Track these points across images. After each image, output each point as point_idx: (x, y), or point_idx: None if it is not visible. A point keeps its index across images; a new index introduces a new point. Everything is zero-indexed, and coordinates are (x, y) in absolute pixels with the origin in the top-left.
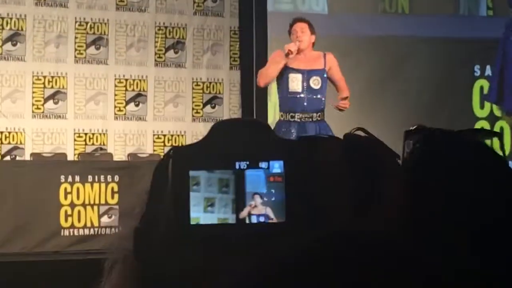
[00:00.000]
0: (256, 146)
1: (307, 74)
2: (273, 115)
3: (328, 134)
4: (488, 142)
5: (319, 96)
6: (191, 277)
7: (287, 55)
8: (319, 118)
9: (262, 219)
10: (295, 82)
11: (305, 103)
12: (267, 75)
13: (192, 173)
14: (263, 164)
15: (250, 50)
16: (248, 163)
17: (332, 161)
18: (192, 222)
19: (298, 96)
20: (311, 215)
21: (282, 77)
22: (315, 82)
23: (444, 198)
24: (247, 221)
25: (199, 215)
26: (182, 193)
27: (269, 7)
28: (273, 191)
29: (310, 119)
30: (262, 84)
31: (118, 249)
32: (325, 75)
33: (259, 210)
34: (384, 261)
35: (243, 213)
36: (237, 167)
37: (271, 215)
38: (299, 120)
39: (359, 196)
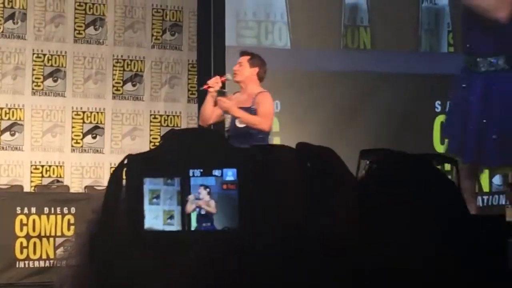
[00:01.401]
0: (210, 154)
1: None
2: None
3: None
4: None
5: (246, 134)
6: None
7: (203, 87)
8: None
9: (203, 212)
10: (227, 121)
11: (232, 141)
12: (202, 113)
13: (146, 179)
14: (216, 172)
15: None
16: (201, 170)
17: (285, 167)
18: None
19: (229, 134)
20: (264, 221)
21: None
22: (240, 121)
23: (387, 204)
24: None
25: (144, 207)
26: (136, 199)
27: (231, 41)
28: (226, 198)
29: None
30: (201, 124)
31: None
32: (253, 113)
33: (204, 202)
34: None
35: (188, 207)
36: (190, 174)
37: (212, 208)
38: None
39: (310, 201)
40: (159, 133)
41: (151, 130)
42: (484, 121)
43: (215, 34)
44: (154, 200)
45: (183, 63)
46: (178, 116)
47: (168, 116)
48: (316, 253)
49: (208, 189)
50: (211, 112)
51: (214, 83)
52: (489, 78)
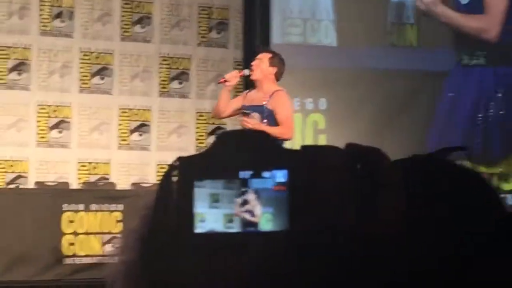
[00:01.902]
0: (260, 156)
1: (249, 110)
2: None
3: None
4: None
5: None
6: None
7: (219, 81)
8: None
9: (248, 215)
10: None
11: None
12: (216, 106)
13: (197, 182)
14: (267, 174)
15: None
16: (252, 172)
17: (334, 168)
18: (198, 219)
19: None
20: (314, 221)
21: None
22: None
23: (430, 205)
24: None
25: (204, 210)
26: (187, 202)
27: (277, 39)
28: (276, 199)
29: None
30: (213, 116)
31: (120, 262)
32: (265, 111)
33: (251, 206)
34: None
35: (236, 212)
36: (241, 176)
37: (257, 211)
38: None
39: (359, 201)
40: (205, 131)
41: (197, 128)
42: None
43: (260, 32)
44: (214, 203)
45: (229, 61)
46: None
47: None
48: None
49: (256, 194)
50: (225, 106)
51: (232, 77)
52: None
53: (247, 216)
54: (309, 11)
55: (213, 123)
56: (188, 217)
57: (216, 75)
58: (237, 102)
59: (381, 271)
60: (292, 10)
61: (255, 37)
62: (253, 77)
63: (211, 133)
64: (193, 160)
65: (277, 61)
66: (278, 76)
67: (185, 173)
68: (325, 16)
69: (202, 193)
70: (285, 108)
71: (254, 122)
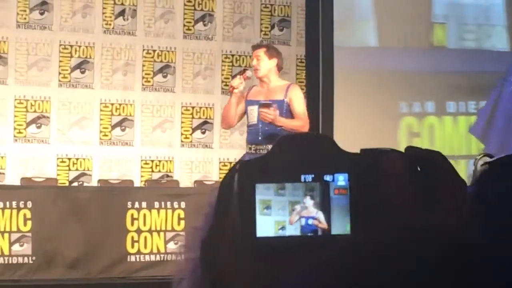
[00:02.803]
0: (321, 159)
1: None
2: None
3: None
4: None
5: (276, 128)
6: (255, 285)
7: (229, 90)
8: None
9: (310, 221)
10: (252, 114)
11: (259, 135)
12: (226, 116)
13: (260, 186)
14: (328, 177)
15: (316, 77)
16: (313, 176)
17: (395, 173)
18: (258, 223)
19: (255, 128)
20: (375, 227)
21: (246, 110)
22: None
23: (502, 210)
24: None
25: (263, 215)
26: (248, 205)
27: (339, 41)
28: (338, 203)
29: (265, 151)
30: (225, 127)
31: (186, 260)
32: (285, 106)
33: (309, 212)
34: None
35: (292, 218)
36: (302, 180)
37: (322, 219)
38: (254, 152)
39: (420, 206)
40: None
41: None
42: None
43: (323, 29)
44: (265, 210)
45: (291, 58)
46: None
47: None
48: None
49: (314, 199)
50: (235, 114)
51: (239, 84)
52: None
53: (308, 221)
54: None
55: None
56: (249, 222)
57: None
58: (233, 105)
59: (449, 273)
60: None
61: (318, 34)
62: (257, 76)
63: None
64: (254, 163)
65: (274, 52)
66: (279, 66)
67: (247, 177)
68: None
69: (262, 197)
70: (301, 102)
71: (274, 114)
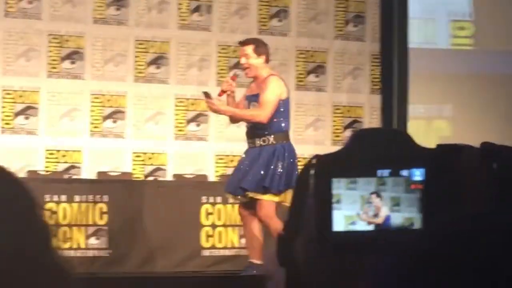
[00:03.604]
0: (397, 154)
1: (248, 101)
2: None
3: (277, 158)
4: None
5: (250, 122)
6: (333, 280)
7: (219, 95)
8: (263, 143)
9: (373, 217)
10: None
11: (248, 130)
12: (232, 117)
13: (334, 180)
14: (404, 172)
15: (391, 74)
16: (390, 171)
17: (470, 167)
18: (336, 216)
19: (246, 122)
20: (452, 220)
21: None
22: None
23: None
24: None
25: (341, 208)
26: (324, 200)
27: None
28: (414, 198)
29: (253, 145)
30: (232, 122)
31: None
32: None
33: (381, 206)
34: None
35: (365, 214)
36: (379, 174)
37: (382, 213)
38: (248, 146)
39: (496, 201)
40: (342, 124)
41: (333, 121)
42: None
43: (398, 25)
44: (335, 204)
45: (366, 55)
46: (361, 107)
47: (351, 107)
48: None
49: (380, 197)
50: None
51: (229, 86)
52: None
53: (373, 218)
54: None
55: (349, 117)
56: (325, 216)
57: (352, 68)
58: (243, 100)
59: None
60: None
61: (392, 30)
62: (248, 76)
63: (348, 126)
64: (330, 158)
65: (262, 48)
66: (267, 59)
67: (323, 172)
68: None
69: (339, 192)
70: (268, 92)
71: (217, 104)
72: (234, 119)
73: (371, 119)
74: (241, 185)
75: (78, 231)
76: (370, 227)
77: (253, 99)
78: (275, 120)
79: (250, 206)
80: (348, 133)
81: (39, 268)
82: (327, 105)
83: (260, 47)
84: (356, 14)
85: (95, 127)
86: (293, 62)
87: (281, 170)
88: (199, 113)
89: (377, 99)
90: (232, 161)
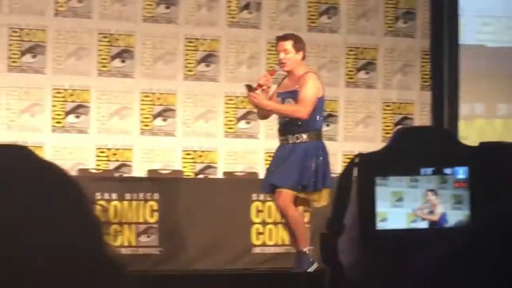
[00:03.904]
0: (441, 152)
1: (282, 97)
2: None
3: (311, 156)
4: None
5: (294, 119)
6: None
7: (254, 89)
8: (296, 140)
9: (428, 214)
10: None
11: (281, 127)
12: (262, 112)
13: (378, 179)
14: (448, 170)
15: (441, 71)
16: (433, 169)
17: None
18: (379, 218)
19: (279, 119)
20: (495, 220)
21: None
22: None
23: None
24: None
25: (386, 210)
26: (367, 198)
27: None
28: (456, 196)
29: (285, 142)
30: (259, 117)
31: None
32: (296, 96)
33: (430, 206)
34: None
35: (418, 213)
36: (422, 173)
37: (438, 210)
38: (280, 143)
39: None
40: (392, 121)
41: (383, 118)
42: None
43: (448, 21)
44: (397, 202)
45: (416, 51)
46: (411, 104)
47: (401, 104)
48: None
49: (436, 194)
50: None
51: (266, 81)
52: None
53: (429, 215)
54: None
55: (400, 113)
56: (368, 214)
57: (403, 64)
58: (274, 97)
59: None
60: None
61: (443, 26)
62: (284, 70)
63: (398, 123)
64: (373, 156)
65: (300, 44)
66: (304, 57)
67: (366, 170)
68: None
69: (383, 191)
70: (308, 88)
71: (258, 98)
72: (265, 115)
73: (422, 116)
74: (272, 182)
75: (128, 229)
76: (422, 224)
77: (287, 95)
78: (309, 118)
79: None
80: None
81: (93, 264)
82: (377, 102)
83: (299, 43)
84: (406, 10)
85: (145, 125)
86: (343, 59)
87: (315, 169)
88: (249, 111)
89: (428, 95)
90: None
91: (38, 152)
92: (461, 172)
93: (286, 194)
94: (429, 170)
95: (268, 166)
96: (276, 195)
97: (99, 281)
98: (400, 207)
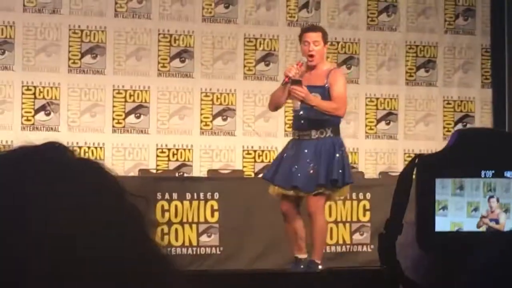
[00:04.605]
0: (502, 155)
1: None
2: None
3: (337, 151)
4: None
5: (319, 113)
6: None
7: (284, 83)
8: (321, 135)
9: (493, 223)
10: (295, 101)
11: (302, 121)
12: (273, 100)
13: (438, 180)
14: (508, 173)
15: (502, 68)
16: (494, 171)
17: None
18: (438, 218)
19: (299, 114)
20: None
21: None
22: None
23: None
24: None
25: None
26: (427, 200)
27: None
28: None
29: (308, 137)
30: (271, 109)
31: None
32: (326, 91)
33: (494, 214)
34: None
35: (479, 222)
36: (482, 175)
37: (502, 219)
38: (297, 138)
39: None
40: (452, 119)
41: (444, 116)
42: None
43: (509, 18)
44: (441, 211)
45: (476, 48)
46: (472, 101)
47: (461, 101)
48: None
49: (498, 201)
50: (285, 100)
51: (295, 73)
52: None
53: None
54: None
55: (461, 111)
56: (427, 216)
57: (463, 62)
58: (285, 89)
59: None
60: None
61: (504, 22)
62: (312, 63)
63: (459, 121)
64: (433, 157)
65: (327, 36)
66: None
67: (425, 171)
68: None
69: (439, 198)
70: (341, 85)
71: (305, 91)
72: (279, 106)
73: (483, 114)
74: (299, 184)
75: (189, 229)
76: (477, 229)
77: (315, 90)
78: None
79: (294, 201)
80: (459, 127)
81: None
82: (437, 100)
83: (326, 36)
84: (466, 7)
85: (205, 125)
86: (403, 57)
87: (342, 163)
88: None
89: (489, 93)
90: None
91: (99, 153)
92: None
93: (320, 200)
94: (489, 172)
95: (280, 157)
96: (309, 201)
97: (147, 280)
98: (444, 216)
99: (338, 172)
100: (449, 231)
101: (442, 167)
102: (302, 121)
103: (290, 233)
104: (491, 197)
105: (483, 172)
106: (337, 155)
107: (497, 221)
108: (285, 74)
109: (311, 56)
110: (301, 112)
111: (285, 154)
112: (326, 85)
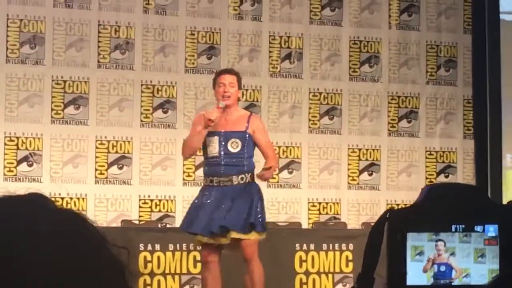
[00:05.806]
0: (471, 210)
1: (225, 137)
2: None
3: (254, 196)
4: None
5: (240, 159)
6: None
7: (206, 126)
8: (241, 181)
9: (443, 268)
10: (212, 146)
11: (222, 167)
12: (190, 146)
13: (409, 234)
14: (478, 228)
15: (484, 118)
16: (463, 226)
17: None
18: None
19: (216, 159)
20: None
21: (204, 140)
22: (234, 145)
23: None
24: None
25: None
26: (398, 253)
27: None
28: (488, 254)
29: (230, 183)
30: (186, 155)
31: None
32: (247, 137)
33: (442, 258)
34: None
35: (426, 265)
36: (453, 230)
37: (454, 264)
38: (217, 185)
39: None
40: (434, 170)
41: (426, 167)
42: None
43: (490, 69)
44: (417, 256)
45: (458, 99)
46: (454, 152)
47: (444, 152)
48: None
49: (444, 245)
50: (201, 145)
51: (217, 117)
52: None
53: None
54: None
55: (443, 162)
56: (399, 269)
57: (445, 113)
58: (202, 136)
59: None
60: None
61: (485, 73)
62: (227, 104)
63: (441, 171)
64: (404, 212)
65: (241, 81)
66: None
67: (397, 225)
68: None
69: (411, 245)
70: (266, 134)
71: (273, 167)
72: (193, 153)
73: (465, 164)
74: (223, 224)
75: (172, 280)
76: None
77: (234, 135)
78: (250, 158)
79: (216, 249)
80: (441, 179)
81: None
82: (419, 151)
83: (240, 80)
84: (448, 58)
85: (188, 175)
86: (385, 108)
87: (261, 208)
88: (291, 161)
89: (471, 144)
90: (325, 208)
91: (81, 204)
92: (492, 230)
93: (255, 244)
94: (460, 227)
95: (196, 205)
96: (243, 246)
97: None
98: (420, 261)
99: (263, 216)
100: (421, 285)
101: (413, 221)
102: (223, 168)
103: (211, 283)
104: (438, 240)
105: (453, 227)
106: (259, 200)
107: (446, 264)
108: (207, 118)
109: (227, 97)
110: (221, 157)
111: (204, 201)
112: (247, 131)
